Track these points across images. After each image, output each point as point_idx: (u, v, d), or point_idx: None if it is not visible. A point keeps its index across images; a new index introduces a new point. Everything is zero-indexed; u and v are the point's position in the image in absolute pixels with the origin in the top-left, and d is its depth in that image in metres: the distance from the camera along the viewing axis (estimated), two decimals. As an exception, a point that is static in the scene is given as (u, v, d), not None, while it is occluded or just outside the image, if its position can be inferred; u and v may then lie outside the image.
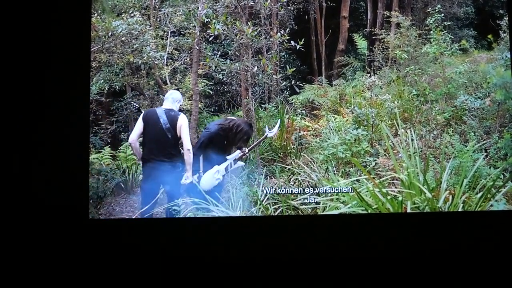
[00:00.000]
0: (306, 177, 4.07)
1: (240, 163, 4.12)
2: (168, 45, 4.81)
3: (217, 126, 4.06)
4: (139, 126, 3.85)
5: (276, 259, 2.91)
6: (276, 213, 3.69)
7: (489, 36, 5.27)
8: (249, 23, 4.73)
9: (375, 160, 4.17)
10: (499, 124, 4.42)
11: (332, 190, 3.59)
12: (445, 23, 5.26)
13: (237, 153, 4.07)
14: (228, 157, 4.05)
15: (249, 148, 4.19)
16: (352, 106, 5.18)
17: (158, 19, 4.94)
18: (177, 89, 4.55)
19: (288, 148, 5.02)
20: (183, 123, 3.83)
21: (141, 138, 3.93)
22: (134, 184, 4.64)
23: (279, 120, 4.76)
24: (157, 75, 4.70)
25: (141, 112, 4.08)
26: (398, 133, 4.24)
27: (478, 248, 2.92)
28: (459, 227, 3.04)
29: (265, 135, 4.41)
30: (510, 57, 3.22)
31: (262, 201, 3.78)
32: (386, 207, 3.26)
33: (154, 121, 3.82)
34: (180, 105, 4.04)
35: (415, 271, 2.80)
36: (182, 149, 3.88)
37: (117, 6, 4.94)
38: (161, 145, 3.82)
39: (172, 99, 3.94)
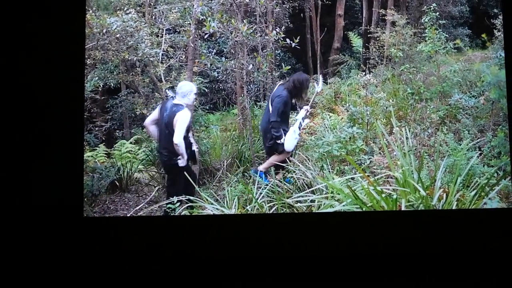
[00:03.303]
0: (301, 175, 4.08)
1: (307, 120, 4.66)
2: (163, 43, 4.79)
3: (285, 91, 4.39)
4: (155, 113, 4.04)
5: (271, 257, 2.92)
6: (271, 211, 3.70)
7: (483, 35, 5.29)
8: (244, 20, 4.72)
9: (370, 158, 4.18)
10: (493, 122, 4.44)
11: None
12: (440, 21, 5.27)
13: (303, 112, 4.53)
14: (297, 117, 4.52)
15: (309, 106, 4.71)
16: (347, 104, 5.18)
17: (153, 17, 4.91)
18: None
19: (283, 146, 5.02)
20: (179, 118, 3.85)
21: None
22: (129, 182, 4.62)
23: (320, 76, 5.30)
24: (152, 73, 4.68)
25: None
26: (393, 131, 4.25)
27: (471, 245, 2.94)
28: (453, 224, 3.05)
29: (315, 91, 4.96)
30: (504, 56, 3.23)
31: (257, 199, 3.78)
32: (380, 205, 3.26)
33: (162, 113, 3.95)
34: (194, 97, 4.05)
35: (410, 268, 2.81)
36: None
37: (112, 3, 4.91)
38: (162, 137, 3.96)
39: (181, 94, 3.96)
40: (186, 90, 3.96)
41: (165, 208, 3.78)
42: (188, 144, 3.94)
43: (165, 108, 3.93)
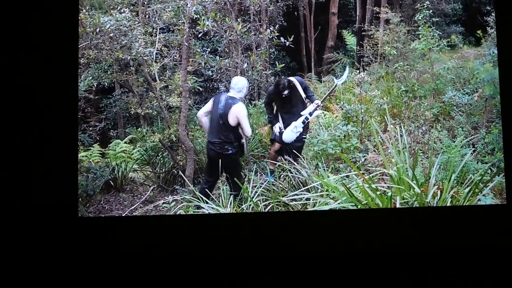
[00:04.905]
0: (296, 173, 4.08)
1: (317, 112, 4.68)
2: (157, 42, 4.77)
3: (272, 86, 4.63)
4: (208, 105, 4.16)
5: (267, 255, 2.92)
6: (267, 210, 3.70)
7: (479, 32, 5.31)
8: (238, 19, 4.72)
9: (364, 156, 4.19)
10: (487, 119, 4.47)
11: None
12: (433, 19, 5.30)
13: (312, 107, 4.56)
14: (302, 112, 4.56)
15: (321, 100, 4.76)
16: (342, 102, 5.20)
17: (147, 16, 4.89)
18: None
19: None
20: (237, 112, 3.98)
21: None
22: (123, 182, 4.61)
23: (347, 67, 5.27)
24: (146, 72, 4.66)
25: None
26: (387, 129, 4.27)
27: (465, 242, 2.95)
28: (447, 221, 3.07)
29: (335, 84, 4.88)
30: (497, 53, 3.25)
31: (253, 197, 3.78)
32: (375, 202, 3.27)
33: (216, 105, 4.06)
34: (246, 91, 4.21)
35: (405, 265, 2.82)
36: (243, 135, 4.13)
37: (105, 2, 4.89)
38: (215, 128, 4.06)
39: (237, 89, 4.09)
40: (242, 85, 4.10)
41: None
42: (238, 136, 4.07)
43: (219, 100, 4.04)
